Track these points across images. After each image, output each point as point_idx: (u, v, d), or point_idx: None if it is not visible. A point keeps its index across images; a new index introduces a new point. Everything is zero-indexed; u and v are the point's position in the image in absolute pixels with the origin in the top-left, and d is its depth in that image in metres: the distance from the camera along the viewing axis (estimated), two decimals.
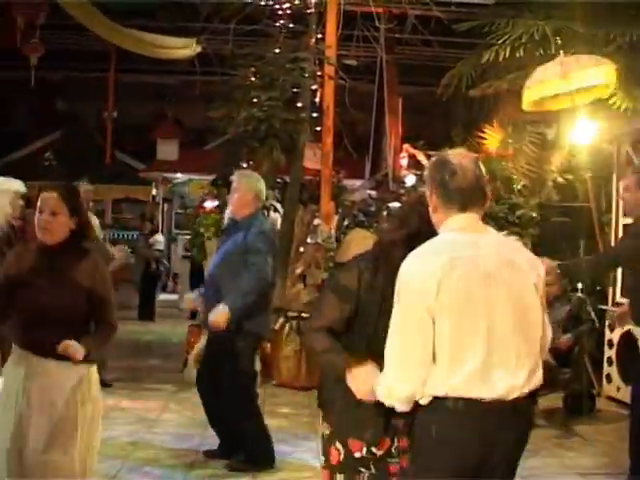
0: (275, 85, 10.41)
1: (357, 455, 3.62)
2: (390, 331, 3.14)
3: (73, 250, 4.33)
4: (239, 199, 6.64)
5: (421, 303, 3.05)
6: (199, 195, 13.35)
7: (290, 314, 9.95)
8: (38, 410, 4.21)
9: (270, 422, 8.02)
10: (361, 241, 8.86)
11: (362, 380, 3.37)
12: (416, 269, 3.10)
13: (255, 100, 10.31)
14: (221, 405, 6.60)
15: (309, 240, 10.24)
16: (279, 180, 11.24)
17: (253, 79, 10.55)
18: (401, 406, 3.14)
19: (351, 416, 3.60)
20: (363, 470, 3.63)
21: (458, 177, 3.17)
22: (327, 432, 3.73)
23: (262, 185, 6.72)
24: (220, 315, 6.17)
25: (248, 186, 6.63)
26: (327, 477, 3.73)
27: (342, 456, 3.65)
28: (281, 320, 9.96)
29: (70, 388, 4.28)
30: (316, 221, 10.42)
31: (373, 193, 12.80)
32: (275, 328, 9.98)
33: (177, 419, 7.98)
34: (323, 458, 3.76)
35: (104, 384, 9.30)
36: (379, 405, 3.28)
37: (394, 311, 3.15)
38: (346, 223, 11.18)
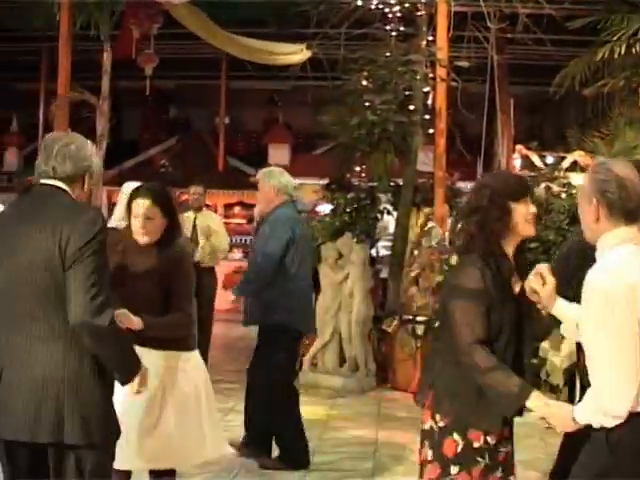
0: (387, 88, 10.40)
1: (476, 445, 3.62)
2: (597, 348, 3.17)
3: (164, 247, 4.69)
4: (263, 198, 6.83)
5: (632, 316, 3.08)
6: (312, 199, 13.42)
7: (404, 317, 9.92)
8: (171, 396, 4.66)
9: (386, 425, 8.07)
10: None
11: (560, 415, 3.41)
12: (617, 284, 3.12)
13: (368, 104, 10.33)
14: (256, 399, 6.69)
15: (423, 243, 10.19)
16: (392, 184, 11.22)
17: (365, 83, 10.56)
18: (614, 422, 3.14)
19: (473, 406, 3.61)
20: (480, 460, 3.62)
21: (628, 190, 3.20)
22: (441, 424, 3.69)
23: (284, 178, 6.77)
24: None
25: (269, 183, 6.72)
26: (437, 470, 3.69)
27: (460, 447, 3.63)
28: (395, 323, 9.94)
29: (161, 375, 4.64)
30: (430, 224, 10.36)
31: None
32: (389, 331, 9.98)
33: None
34: (430, 452, 3.71)
35: None
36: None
37: (594, 328, 3.17)
38: (459, 226, 11.06)
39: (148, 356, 4.25)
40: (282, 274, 6.46)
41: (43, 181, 3.52)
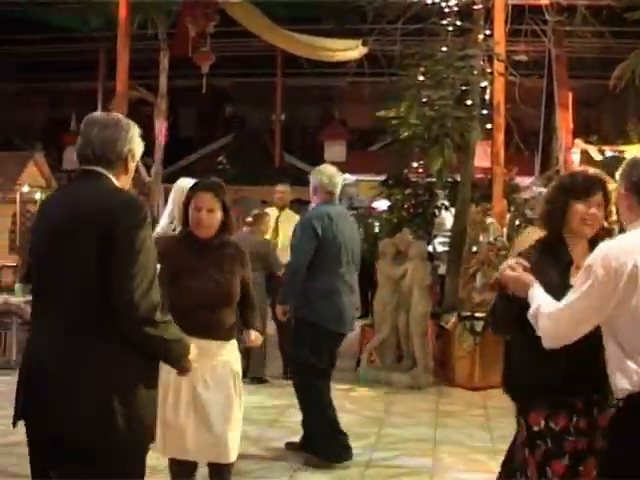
0: (445, 84, 10.34)
1: (536, 429, 3.69)
2: (577, 288, 3.30)
3: (221, 240, 4.76)
4: (311, 197, 6.79)
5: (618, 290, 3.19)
6: (369, 196, 13.42)
7: (463, 314, 9.85)
8: (214, 389, 4.63)
9: (444, 422, 8.03)
10: (534, 240, 8.71)
11: (522, 282, 3.62)
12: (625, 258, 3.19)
13: (425, 100, 10.29)
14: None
15: (481, 239, 10.12)
16: (450, 179, 11.16)
17: (422, 78, 10.51)
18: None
19: (531, 390, 3.73)
20: (540, 444, 3.68)
21: None
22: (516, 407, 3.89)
23: (324, 175, 6.68)
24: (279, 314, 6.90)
25: (311, 182, 6.72)
26: (518, 452, 3.83)
27: (524, 430, 3.76)
28: (453, 320, 9.88)
29: (231, 366, 4.72)
30: (488, 220, 10.27)
31: (544, 190, 12.53)
32: (447, 328, 9.93)
33: (352, 418, 8.02)
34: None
35: (261, 380, 9.60)
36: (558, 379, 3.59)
37: (585, 278, 3.26)
38: (518, 222, 10.98)
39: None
40: (309, 271, 6.45)
41: (84, 167, 3.42)
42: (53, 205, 3.48)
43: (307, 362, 6.49)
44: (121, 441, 3.21)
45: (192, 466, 4.86)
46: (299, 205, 18.19)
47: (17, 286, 10.67)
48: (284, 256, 10.12)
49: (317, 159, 22.41)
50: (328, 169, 6.84)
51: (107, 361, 3.19)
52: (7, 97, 26.00)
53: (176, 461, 4.81)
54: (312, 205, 6.77)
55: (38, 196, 17.18)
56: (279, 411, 8.39)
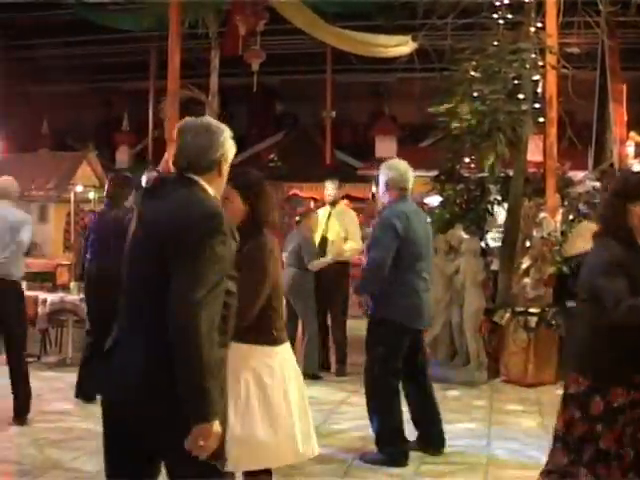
0: (496, 78, 10.26)
1: (615, 405, 4.02)
2: None
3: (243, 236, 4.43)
4: (379, 194, 6.78)
5: None
6: (420, 192, 13.35)
7: (516, 309, 9.78)
8: (255, 393, 4.51)
9: (498, 418, 7.98)
10: (588, 234, 8.63)
11: None
12: None
13: (477, 94, 10.22)
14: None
15: (535, 234, 10.03)
16: (502, 174, 11.08)
17: (473, 73, 10.44)
18: None
19: (616, 365, 4.07)
20: (619, 418, 4.02)
21: None
22: (583, 387, 4.16)
23: (393, 172, 6.61)
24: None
25: (381, 179, 6.65)
26: (584, 428, 4.14)
27: (602, 406, 4.05)
28: (507, 315, 9.81)
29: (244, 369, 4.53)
30: (541, 214, 10.18)
31: (597, 184, 12.38)
32: (501, 324, 9.86)
33: (405, 414, 7.99)
34: (577, 412, 4.17)
35: (315, 377, 9.64)
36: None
37: None
38: (571, 216, 10.87)
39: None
40: (389, 270, 6.43)
41: (177, 173, 3.44)
42: (145, 207, 3.50)
43: (384, 361, 6.50)
44: None
45: None
46: (350, 201, 18.23)
47: (72, 284, 10.81)
48: (334, 252, 10.18)
49: (368, 155, 22.47)
50: (400, 164, 6.74)
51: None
52: (60, 98, 26.33)
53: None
54: (384, 202, 6.72)
55: (92, 195, 17.42)
56: (333, 407, 8.40)
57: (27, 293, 10.60)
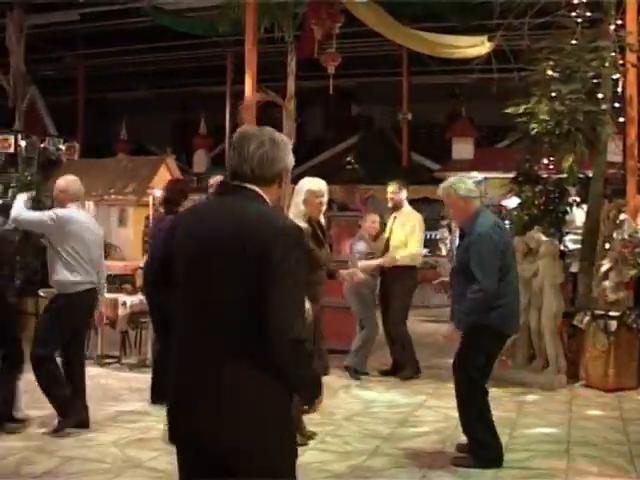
0: (575, 77, 10.10)
1: None
2: None
3: None
4: (455, 212, 6.74)
5: None
6: (497, 193, 13.25)
7: (596, 312, 9.61)
8: None
9: (577, 424, 7.86)
10: None
11: None
12: None
13: (555, 94, 10.08)
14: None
15: (615, 236, 9.85)
16: (581, 175, 10.90)
17: (551, 73, 10.30)
18: None
19: None
20: None
21: None
22: None
23: (465, 184, 6.63)
24: (450, 336, 6.70)
25: (453, 195, 6.59)
26: None
27: None
28: (587, 319, 9.65)
29: None
30: (622, 216, 9.99)
31: None
32: (581, 327, 9.71)
33: None
34: None
35: (356, 372, 9.65)
36: None
37: None
38: None
39: None
40: None
41: (237, 183, 3.34)
42: (202, 219, 3.39)
43: (482, 366, 6.53)
44: (280, 467, 3.25)
45: None
46: (427, 204, 18.18)
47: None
48: (387, 258, 10.15)
49: (444, 157, 22.36)
50: (461, 179, 6.85)
51: (260, 387, 3.16)
52: (138, 103, 26.76)
53: None
54: (461, 220, 6.69)
55: None
56: (410, 410, 8.37)
57: (107, 295, 10.84)
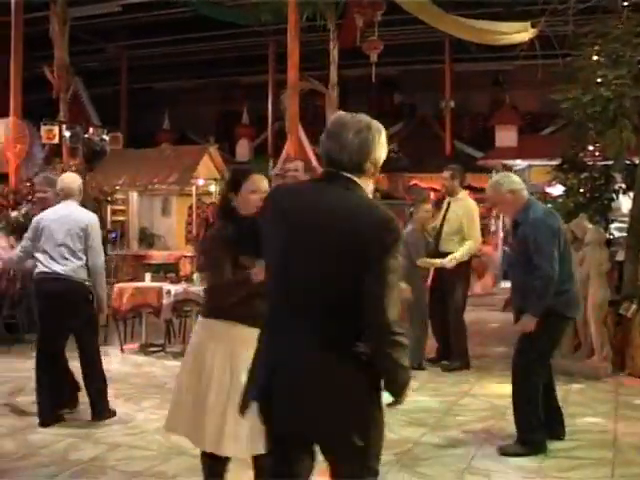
0: (621, 62, 9.95)
1: None
2: None
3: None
4: (505, 208, 6.77)
5: None
6: (541, 181, 13.12)
7: None
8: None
9: (624, 413, 7.77)
10: None
11: None
12: None
13: (600, 80, 9.95)
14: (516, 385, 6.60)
15: None
16: (628, 162, 10.75)
17: (597, 58, 10.17)
18: None
19: None
20: None
21: None
22: None
23: (509, 178, 6.68)
24: (525, 326, 6.38)
25: (500, 193, 6.59)
26: None
27: None
28: (633, 307, 9.53)
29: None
30: None
31: None
32: (627, 316, 9.60)
33: None
34: None
35: (419, 367, 9.54)
36: None
37: None
38: None
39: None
40: None
41: (334, 170, 3.29)
42: (296, 203, 3.35)
43: (546, 352, 6.53)
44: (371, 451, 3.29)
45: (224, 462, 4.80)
46: (470, 192, 18.06)
47: (195, 275, 11.00)
48: (448, 244, 10.03)
49: (488, 145, 22.20)
50: (504, 174, 6.93)
51: (356, 376, 3.20)
52: (181, 93, 26.88)
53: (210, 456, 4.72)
54: (512, 214, 6.67)
55: (213, 189, 17.73)
56: (455, 398, 8.33)
57: (152, 284, 10.92)
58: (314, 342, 3.17)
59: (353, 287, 3.09)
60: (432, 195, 18.46)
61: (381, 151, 3.32)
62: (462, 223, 9.98)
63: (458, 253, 9.85)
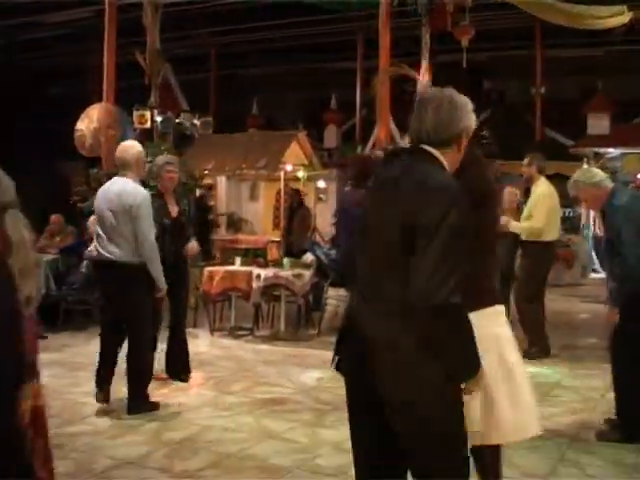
0: None
1: None
2: None
3: None
4: (592, 203, 6.62)
5: None
6: (635, 169, 12.84)
7: None
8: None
9: None
10: None
11: None
12: None
13: None
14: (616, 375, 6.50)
15: None
16: None
17: None
18: None
19: None
20: None
21: None
22: None
23: (590, 172, 6.55)
24: (610, 317, 6.38)
25: (584, 188, 6.44)
26: None
27: None
28: None
29: None
30: None
31: None
32: None
33: None
34: None
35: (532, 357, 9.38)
36: None
37: None
38: None
39: None
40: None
41: (414, 146, 3.35)
42: (385, 185, 3.39)
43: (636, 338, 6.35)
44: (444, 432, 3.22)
45: None
46: (560, 180, 17.77)
47: (285, 260, 11.05)
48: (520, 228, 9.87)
49: (579, 133, 21.79)
50: (584, 169, 6.91)
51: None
52: (268, 79, 26.98)
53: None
54: (598, 206, 6.55)
55: (300, 174, 17.78)
56: (547, 389, 8.20)
57: (242, 268, 10.98)
58: (387, 315, 3.21)
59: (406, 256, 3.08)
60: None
61: (466, 123, 3.34)
62: (530, 208, 9.88)
63: (516, 223, 9.81)
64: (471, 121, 3.38)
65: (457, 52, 15.68)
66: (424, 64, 15.20)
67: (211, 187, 17.97)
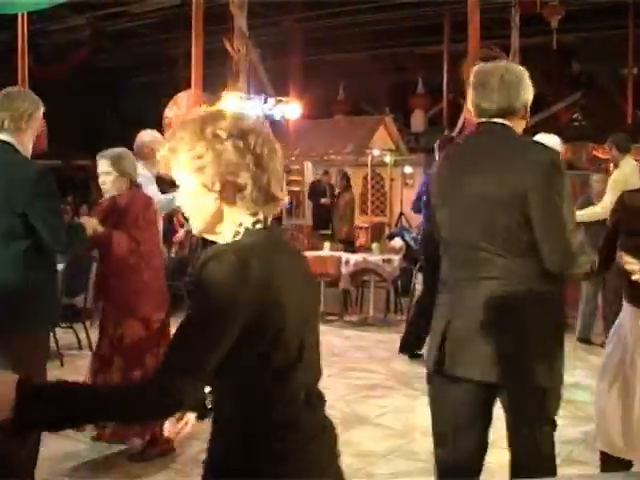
0: None
1: None
2: None
3: None
4: None
5: None
6: None
7: None
8: None
9: None
10: None
11: None
12: None
13: None
14: None
15: None
16: None
17: None
18: None
19: None
20: None
21: None
22: None
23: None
24: None
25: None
26: None
27: None
28: None
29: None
30: None
31: None
32: None
33: None
34: None
35: (587, 341, 9.20)
36: None
37: None
38: None
39: None
40: None
41: (485, 120, 3.38)
42: (459, 157, 3.53)
43: None
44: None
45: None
46: None
47: (374, 245, 11.03)
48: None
49: None
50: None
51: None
52: (355, 64, 26.93)
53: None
54: None
55: (388, 159, 17.72)
56: None
57: (331, 253, 11.01)
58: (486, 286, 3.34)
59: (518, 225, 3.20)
60: (611, 167, 17.88)
61: (528, 92, 3.38)
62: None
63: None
64: (531, 90, 3.40)
65: (546, 34, 15.41)
66: (514, 45, 14.97)
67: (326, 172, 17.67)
